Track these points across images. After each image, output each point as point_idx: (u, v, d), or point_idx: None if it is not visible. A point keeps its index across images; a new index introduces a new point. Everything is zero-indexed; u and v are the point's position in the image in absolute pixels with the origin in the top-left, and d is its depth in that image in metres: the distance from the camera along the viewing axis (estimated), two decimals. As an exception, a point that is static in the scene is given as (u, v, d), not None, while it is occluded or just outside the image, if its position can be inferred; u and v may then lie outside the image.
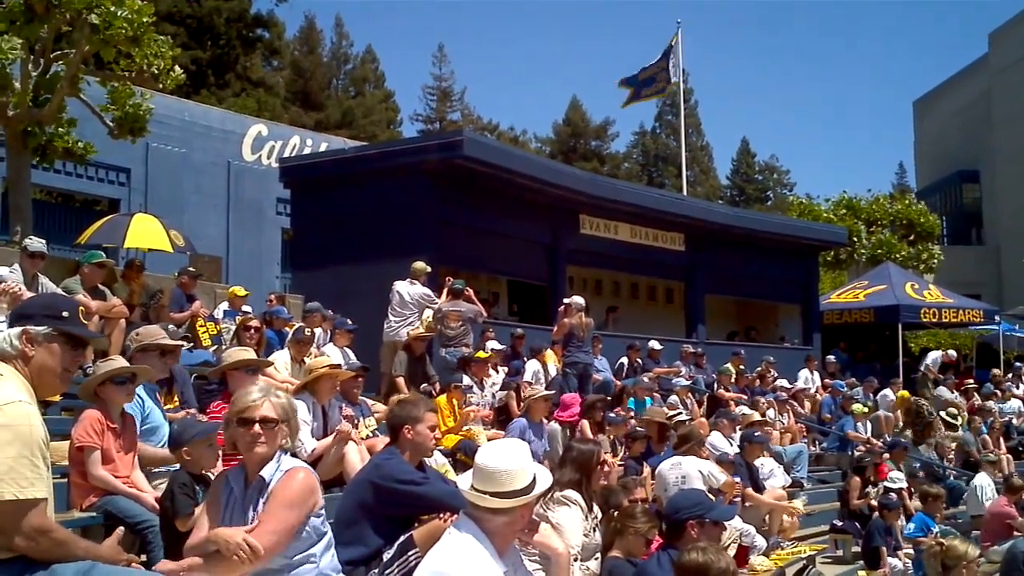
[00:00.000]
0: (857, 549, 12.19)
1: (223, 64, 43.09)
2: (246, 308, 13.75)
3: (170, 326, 10.08)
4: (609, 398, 13.25)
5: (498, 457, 4.14)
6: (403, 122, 59.26)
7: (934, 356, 21.92)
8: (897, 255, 31.74)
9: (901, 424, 17.89)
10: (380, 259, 15.48)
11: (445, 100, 64.32)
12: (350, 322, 12.98)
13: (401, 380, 12.28)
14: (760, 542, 9.79)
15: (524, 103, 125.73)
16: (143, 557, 5.85)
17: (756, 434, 12.03)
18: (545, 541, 4.42)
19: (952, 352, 22.90)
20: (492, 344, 14.56)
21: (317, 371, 8.51)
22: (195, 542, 4.22)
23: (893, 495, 12.51)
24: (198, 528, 4.28)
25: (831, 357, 22.18)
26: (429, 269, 14.38)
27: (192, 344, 11.64)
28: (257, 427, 4.24)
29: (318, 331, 12.86)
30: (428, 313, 13.85)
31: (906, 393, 18.35)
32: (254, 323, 11.39)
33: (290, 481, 4.25)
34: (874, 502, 12.43)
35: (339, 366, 9.54)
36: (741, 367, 18.06)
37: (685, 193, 30.26)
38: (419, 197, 16.17)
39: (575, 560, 6.42)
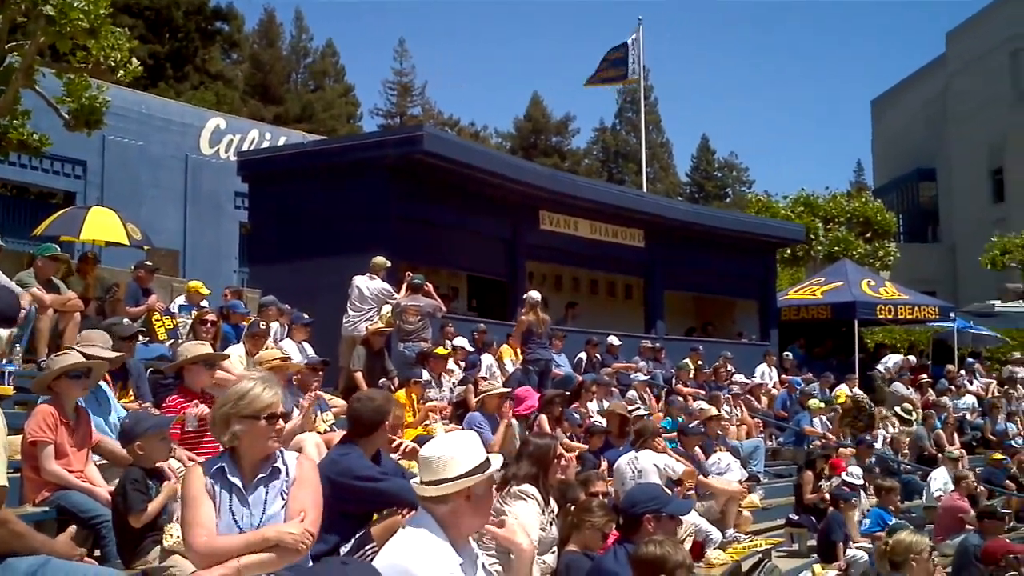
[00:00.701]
0: (812, 543, 12.32)
1: (181, 57, 42.78)
2: (203, 303, 13.67)
3: (125, 320, 9.97)
4: (568, 393, 13.29)
5: (435, 446, 4.13)
6: (363, 116, 59.18)
7: (895, 360, 22.16)
8: (854, 252, 32.03)
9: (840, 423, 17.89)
10: (339, 254, 15.40)
11: (406, 95, 64.17)
12: (306, 316, 12.93)
13: (359, 375, 12.25)
14: (716, 535, 9.87)
15: (485, 98, 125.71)
16: (97, 552, 5.83)
17: (691, 426, 12.16)
18: (511, 536, 4.35)
19: (912, 358, 23.13)
20: (459, 341, 14.60)
21: (268, 363, 8.52)
22: (238, 542, 4.10)
23: (846, 488, 12.66)
24: (199, 526, 4.11)
25: (788, 353, 22.36)
26: (389, 264, 14.35)
27: (148, 338, 11.56)
28: (281, 422, 4.34)
29: (275, 325, 12.81)
30: (387, 308, 13.83)
31: (843, 394, 18.46)
32: (210, 317, 11.32)
33: (309, 467, 4.45)
34: (827, 496, 12.56)
35: (289, 359, 9.54)
36: (699, 362, 18.18)
37: (645, 190, 30.43)
38: (379, 192, 16.12)
39: (531, 554, 6.44)
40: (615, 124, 72.70)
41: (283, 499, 4.26)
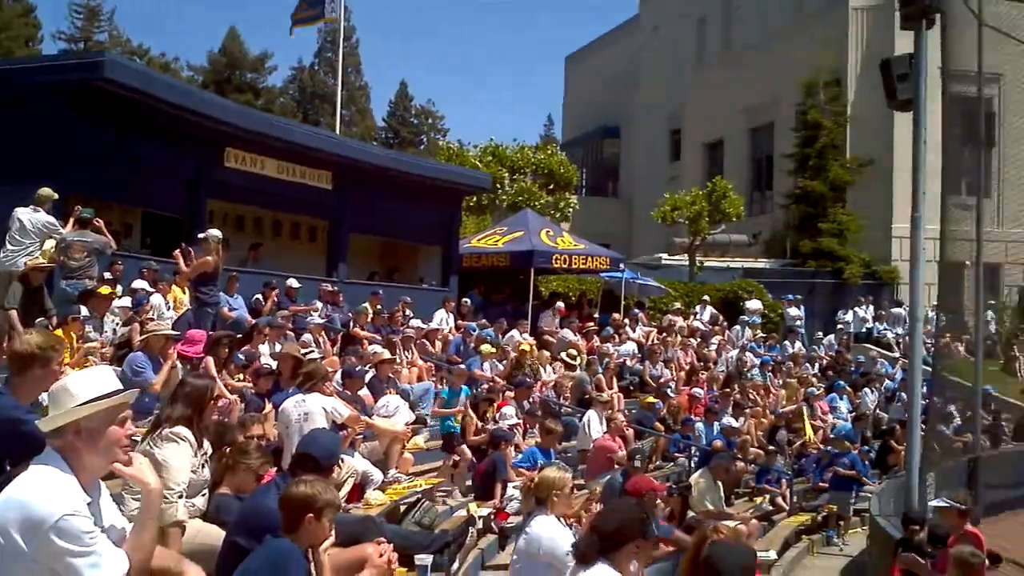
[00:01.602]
0: (470, 483, 12.88)
1: None
2: None
3: None
4: (239, 336, 13.22)
5: (62, 379, 4.04)
6: (44, 40, 55.53)
7: (544, 314, 23.34)
8: (536, 203, 33.06)
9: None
10: (1, 183, 14.54)
11: (93, 19, 60.46)
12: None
13: (14, 313, 11.63)
14: (377, 476, 10.15)
15: (179, 29, 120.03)
16: None
17: (356, 369, 12.49)
18: (138, 475, 4.29)
19: (560, 304, 24.20)
20: (139, 283, 14.20)
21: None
22: None
23: (506, 428, 13.32)
24: None
25: (467, 300, 22.99)
26: (56, 196, 13.64)
27: None
28: None
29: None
30: (50, 243, 13.18)
31: (529, 348, 19.22)
32: None
33: None
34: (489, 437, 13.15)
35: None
36: (378, 307, 18.43)
37: (339, 132, 30.30)
38: (50, 119, 15.31)
39: (180, 497, 6.44)
40: (313, 64, 71.51)
41: None
